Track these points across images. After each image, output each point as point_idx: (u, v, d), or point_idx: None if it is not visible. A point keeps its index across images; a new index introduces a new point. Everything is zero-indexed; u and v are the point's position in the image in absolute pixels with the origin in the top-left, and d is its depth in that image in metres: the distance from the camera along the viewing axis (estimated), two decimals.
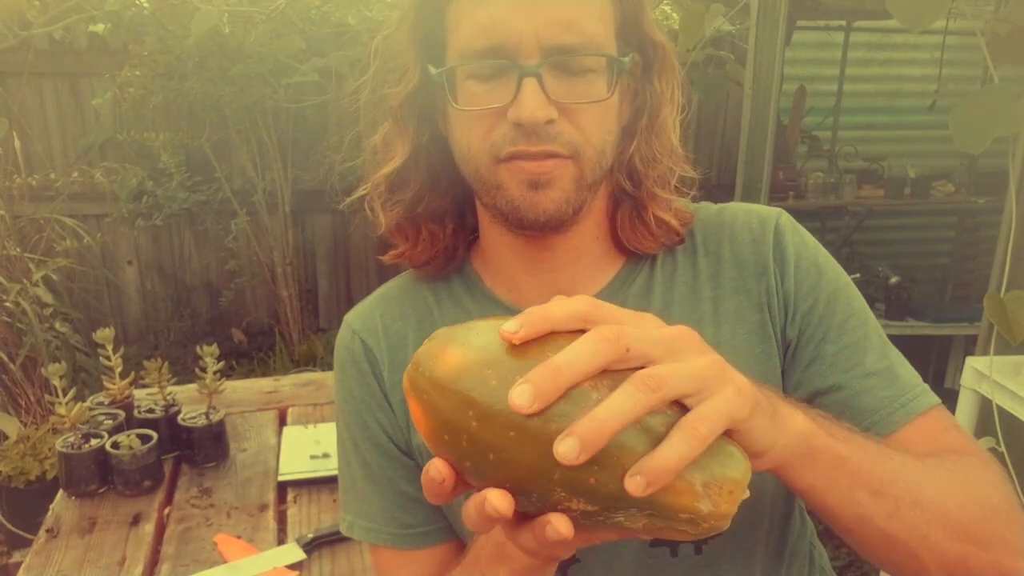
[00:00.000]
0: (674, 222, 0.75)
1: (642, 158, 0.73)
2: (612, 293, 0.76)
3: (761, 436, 0.48)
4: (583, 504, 0.42)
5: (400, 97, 0.73)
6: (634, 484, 0.40)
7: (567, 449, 0.39)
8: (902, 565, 0.60)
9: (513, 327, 0.43)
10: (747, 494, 0.43)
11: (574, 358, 0.41)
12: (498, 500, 0.43)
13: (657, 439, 0.41)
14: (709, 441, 0.42)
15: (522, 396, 0.40)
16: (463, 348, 0.45)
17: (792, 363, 0.73)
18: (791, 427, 0.52)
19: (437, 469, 0.45)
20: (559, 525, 0.43)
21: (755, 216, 0.76)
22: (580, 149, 0.67)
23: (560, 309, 0.44)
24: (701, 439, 0.41)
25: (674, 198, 0.76)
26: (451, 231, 0.79)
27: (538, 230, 0.69)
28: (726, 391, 0.44)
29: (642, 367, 0.43)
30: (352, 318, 0.83)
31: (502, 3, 0.64)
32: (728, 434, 0.45)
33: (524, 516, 0.46)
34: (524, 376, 0.41)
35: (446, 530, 0.81)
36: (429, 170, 0.76)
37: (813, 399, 0.71)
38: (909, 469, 0.59)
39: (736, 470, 0.43)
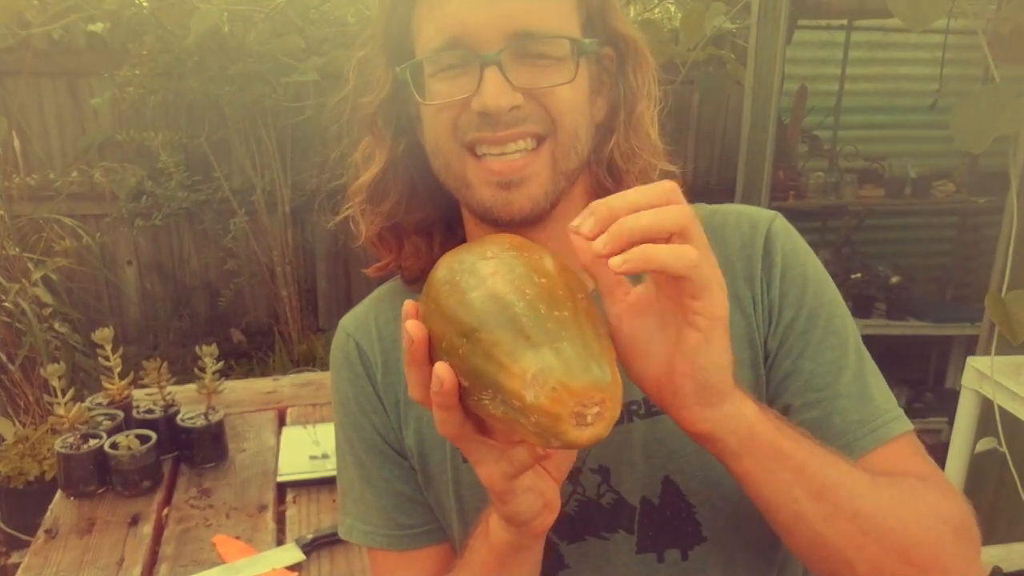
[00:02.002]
0: None
1: (622, 154, 0.73)
2: (598, 295, 0.75)
3: (715, 361, 0.52)
4: (462, 379, 0.48)
5: (373, 106, 0.73)
6: (577, 219, 0.48)
7: (580, 219, 0.48)
8: (836, 573, 0.61)
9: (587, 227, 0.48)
10: (581, 407, 0.44)
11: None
12: (440, 370, 0.48)
13: (522, 335, 0.45)
14: (646, 225, 0.48)
15: (583, 224, 0.48)
16: (455, 255, 0.53)
17: (769, 373, 0.72)
18: (741, 405, 0.55)
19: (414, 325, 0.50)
20: (439, 370, 0.47)
21: (747, 220, 0.75)
22: (551, 130, 0.67)
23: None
24: (648, 220, 0.48)
25: None
26: (439, 243, 0.79)
27: (514, 228, 0.69)
28: (709, 261, 0.49)
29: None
30: (347, 321, 0.84)
31: (459, 1, 0.65)
32: (686, 333, 0.51)
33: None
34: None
35: (441, 531, 0.81)
36: (407, 179, 0.76)
37: (784, 413, 0.70)
38: (855, 481, 0.60)
39: (575, 377, 0.44)
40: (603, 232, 0.47)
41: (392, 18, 0.71)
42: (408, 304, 0.52)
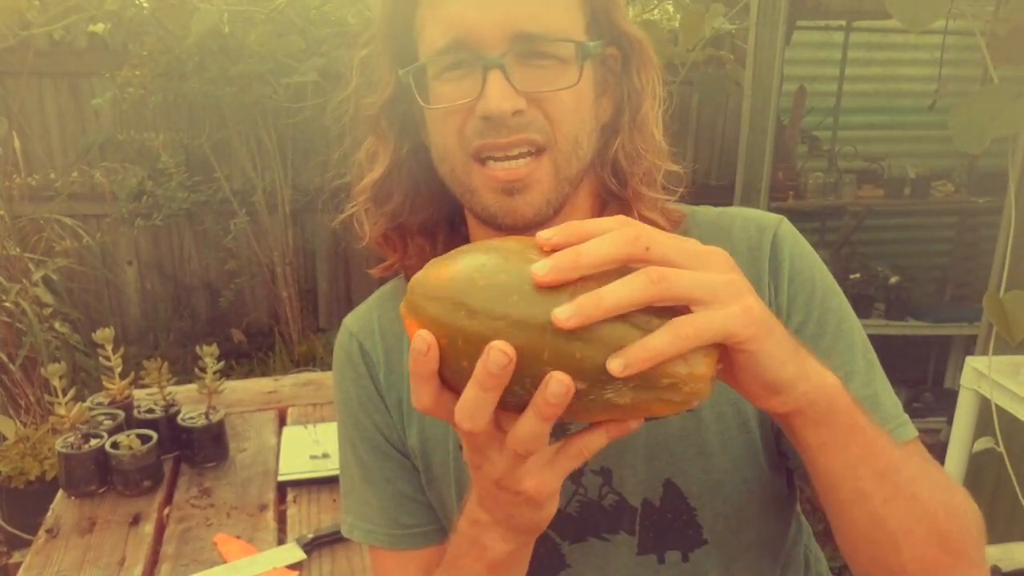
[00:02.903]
0: (661, 221, 0.73)
1: (627, 155, 0.72)
2: None
3: (772, 365, 0.48)
4: (575, 382, 0.44)
5: (376, 107, 0.73)
6: (615, 365, 0.43)
7: (561, 311, 0.43)
8: (882, 561, 0.60)
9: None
10: (719, 363, 0.46)
11: (595, 247, 0.44)
12: (502, 345, 0.43)
13: (629, 321, 0.44)
14: (693, 344, 0.44)
15: (540, 269, 0.44)
16: (450, 262, 0.49)
17: None
18: (818, 377, 0.52)
19: (421, 339, 0.46)
20: (559, 379, 0.43)
21: (754, 223, 0.75)
22: (552, 139, 0.66)
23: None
24: (685, 339, 0.43)
25: (662, 197, 0.74)
26: (443, 243, 0.79)
27: (518, 232, 0.68)
28: (731, 307, 0.45)
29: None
30: (350, 321, 0.84)
31: (464, 1, 0.64)
32: (733, 355, 0.48)
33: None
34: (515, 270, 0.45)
35: (443, 531, 0.81)
36: (411, 180, 0.76)
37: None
38: (912, 465, 0.60)
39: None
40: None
41: (395, 18, 0.70)
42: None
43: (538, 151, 0.66)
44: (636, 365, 0.43)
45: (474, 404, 0.45)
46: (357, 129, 0.78)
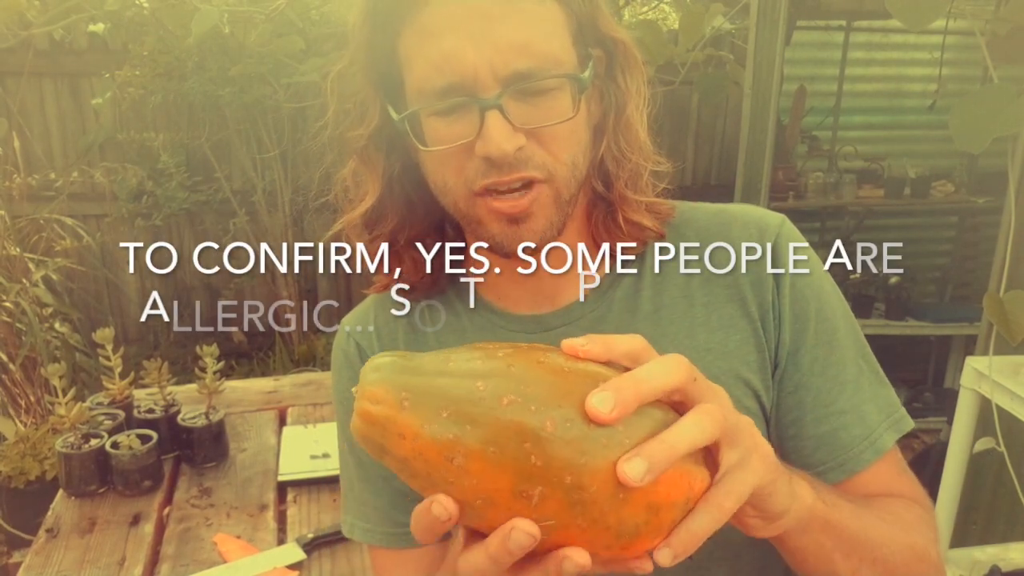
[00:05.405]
0: (647, 221, 0.73)
1: (613, 157, 0.72)
2: (598, 297, 0.75)
3: (779, 500, 0.52)
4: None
5: (364, 138, 0.72)
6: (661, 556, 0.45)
7: (633, 470, 0.41)
8: None
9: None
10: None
11: (655, 377, 0.44)
12: (527, 527, 0.42)
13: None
14: (731, 514, 0.46)
15: (603, 403, 0.42)
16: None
17: (779, 385, 0.73)
18: (802, 497, 0.56)
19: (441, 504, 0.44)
20: (577, 557, 0.43)
21: (755, 225, 0.75)
22: (552, 169, 0.66)
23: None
24: (726, 513, 0.46)
25: (647, 199, 0.74)
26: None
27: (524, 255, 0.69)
28: (753, 460, 0.48)
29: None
30: (347, 320, 0.85)
31: (451, 37, 0.62)
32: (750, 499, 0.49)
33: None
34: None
35: None
36: (405, 200, 0.75)
37: (795, 425, 0.72)
38: (874, 530, 0.64)
39: None
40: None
41: (375, 44, 0.68)
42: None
43: (538, 183, 0.66)
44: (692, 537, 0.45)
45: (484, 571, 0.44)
46: (338, 150, 0.77)
